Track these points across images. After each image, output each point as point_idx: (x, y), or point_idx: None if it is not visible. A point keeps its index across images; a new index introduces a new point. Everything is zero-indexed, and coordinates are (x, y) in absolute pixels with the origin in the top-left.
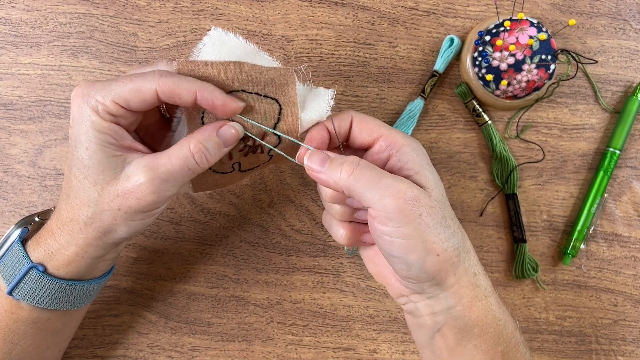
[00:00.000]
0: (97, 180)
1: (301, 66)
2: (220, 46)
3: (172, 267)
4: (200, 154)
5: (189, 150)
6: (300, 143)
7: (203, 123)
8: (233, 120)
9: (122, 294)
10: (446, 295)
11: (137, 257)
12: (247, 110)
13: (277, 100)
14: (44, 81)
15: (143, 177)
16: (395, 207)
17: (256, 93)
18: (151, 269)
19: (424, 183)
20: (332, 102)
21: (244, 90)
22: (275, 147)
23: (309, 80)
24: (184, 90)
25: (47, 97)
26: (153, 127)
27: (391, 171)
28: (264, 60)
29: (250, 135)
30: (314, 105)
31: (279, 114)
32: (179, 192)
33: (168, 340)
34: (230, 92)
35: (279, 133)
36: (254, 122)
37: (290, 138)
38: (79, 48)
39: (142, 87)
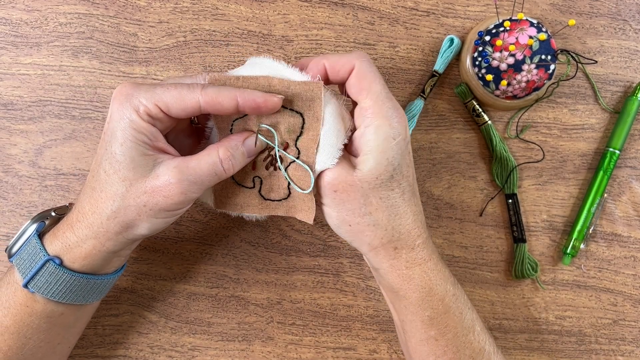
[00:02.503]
0: (127, 176)
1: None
2: (252, 66)
3: (172, 267)
4: (228, 160)
5: (218, 156)
6: (317, 144)
7: (232, 132)
8: (261, 128)
9: (122, 294)
10: (371, 258)
11: (138, 257)
12: (275, 120)
13: (301, 115)
14: (44, 81)
15: (173, 177)
16: (320, 184)
17: (282, 106)
18: (151, 268)
19: (360, 166)
20: (350, 133)
21: None
22: (293, 161)
23: (339, 95)
24: (225, 98)
25: (48, 97)
26: (181, 133)
27: (353, 138)
28: (295, 75)
29: (271, 144)
30: (334, 130)
31: (302, 127)
32: (202, 201)
33: (168, 340)
34: None
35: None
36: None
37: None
38: (79, 48)
39: (186, 96)
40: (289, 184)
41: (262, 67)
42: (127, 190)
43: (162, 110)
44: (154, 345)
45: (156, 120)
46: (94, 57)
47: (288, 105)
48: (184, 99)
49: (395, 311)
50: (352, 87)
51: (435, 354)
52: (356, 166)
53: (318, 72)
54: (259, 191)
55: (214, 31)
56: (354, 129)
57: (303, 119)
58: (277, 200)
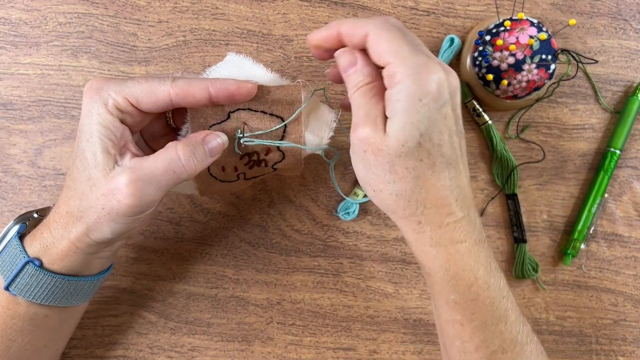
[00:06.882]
0: (91, 174)
1: (320, 89)
2: (231, 67)
3: (171, 267)
4: (187, 156)
5: (176, 152)
6: (303, 145)
7: None
8: (242, 137)
9: (122, 294)
10: (398, 226)
11: (137, 257)
12: (255, 121)
13: (282, 119)
14: (44, 81)
15: (126, 177)
16: (352, 135)
17: (262, 111)
18: (151, 269)
19: (387, 130)
20: (334, 125)
21: (250, 109)
22: (278, 162)
23: (319, 98)
24: (197, 89)
25: (47, 97)
26: (157, 134)
27: (385, 101)
28: (274, 80)
29: (260, 141)
30: (317, 127)
31: (284, 131)
32: (184, 192)
33: (168, 340)
34: (235, 110)
35: (287, 143)
36: (267, 137)
37: (288, 144)
38: (78, 48)
39: (156, 89)
40: (273, 166)
41: (240, 69)
42: (90, 190)
43: (132, 104)
44: (153, 345)
45: (125, 114)
46: (94, 57)
47: (267, 110)
48: (154, 92)
49: (428, 284)
50: (373, 55)
51: (461, 338)
52: (386, 130)
53: (334, 39)
54: (245, 178)
55: (213, 31)
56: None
57: (285, 124)
58: (262, 175)
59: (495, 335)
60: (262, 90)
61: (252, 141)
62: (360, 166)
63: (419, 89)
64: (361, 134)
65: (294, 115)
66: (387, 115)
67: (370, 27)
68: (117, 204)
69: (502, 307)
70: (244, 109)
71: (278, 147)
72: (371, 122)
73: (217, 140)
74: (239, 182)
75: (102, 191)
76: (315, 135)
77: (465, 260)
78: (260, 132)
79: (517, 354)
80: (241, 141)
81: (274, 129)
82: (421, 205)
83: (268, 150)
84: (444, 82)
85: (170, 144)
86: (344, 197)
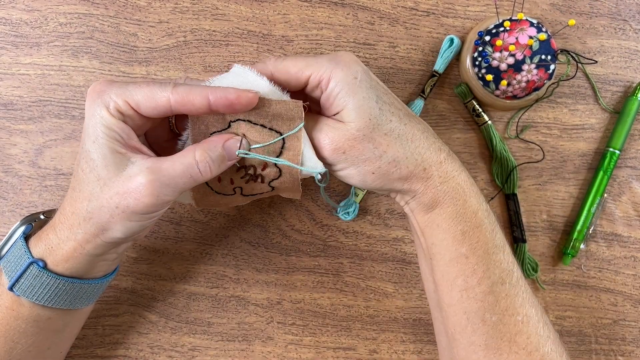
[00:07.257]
0: (101, 175)
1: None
2: (235, 78)
3: (172, 267)
4: (204, 163)
5: (194, 158)
6: (300, 164)
7: None
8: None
9: (122, 294)
10: (406, 188)
11: (137, 257)
12: (254, 136)
13: (281, 134)
14: (44, 81)
15: (144, 178)
16: (325, 154)
17: (262, 125)
18: (151, 269)
19: (346, 119)
20: None
21: (249, 121)
22: (275, 179)
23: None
24: (196, 96)
25: (47, 97)
26: (161, 138)
27: (324, 107)
28: (276, 93)
29: (255, 156)
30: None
31: (282, 147)
32: (182, 201)
33: (168, 340)
34: (236, 120)
35: (282, 161)
36: (259, 156)
37: (283, 162)
38: (79, 48)
39: (156, 94)
40: (270, 182)
41: (244, 80)
42: (101, 190)
43: (132, 108)
44: (154, 345)
45: (127, 117)
46: (94, 57)
47: (267, 124)
48: (154, 97)
49: (424, 239)
50: (290, 81)
51: (464, 273)
52: (345, 123)
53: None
54: (241, 194)
55: (214, 31)
56: None
57: (283, 139)
58: (259, 194)
59: (495, 265)
60: (263, 102)
61: (248, 154)
62: (349, 169)
63: (348, 73)
64: (329, 144)
65: (294, 130)
66: (336, 111)
67: (270, 67)
68: (134, 202)
69: (500, 237)
70: (244, 120)
71: (276, 163)
72: (327, 130)
73: (237, 145)
74: (235, 196)
75: (116, 190)
76: (313, 154)
77: (469, 189)
78: (258, 145)
79: (513, 287)
80: (237, 152)
81: (273, 141)
82: (418, 154)
83: (265, 165)
84: (355, 57)
85: (189, 148)
86: (337, 207)
